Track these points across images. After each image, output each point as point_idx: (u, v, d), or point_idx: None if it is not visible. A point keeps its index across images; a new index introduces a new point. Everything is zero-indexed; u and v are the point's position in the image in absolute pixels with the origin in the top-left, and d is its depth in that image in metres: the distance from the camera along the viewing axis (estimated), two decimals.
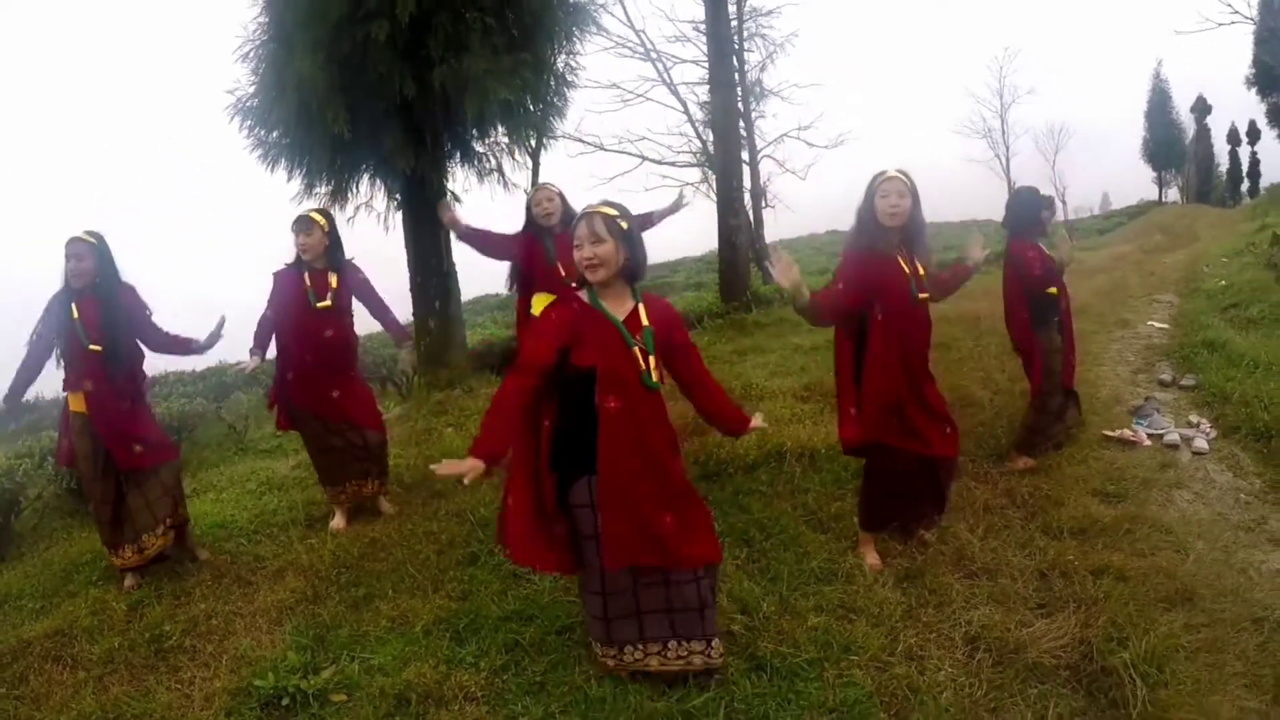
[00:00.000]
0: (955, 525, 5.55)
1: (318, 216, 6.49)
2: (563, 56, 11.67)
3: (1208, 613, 4.37)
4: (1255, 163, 67.26)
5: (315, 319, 6.40)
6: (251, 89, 10.95)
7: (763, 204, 27.69)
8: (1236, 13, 39.11)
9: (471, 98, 9.92)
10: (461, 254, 12.09)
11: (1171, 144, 71.56)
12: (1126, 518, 5.55)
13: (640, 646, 4.02)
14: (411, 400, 11.17)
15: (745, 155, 24.64)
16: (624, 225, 3.90)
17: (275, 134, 10.95)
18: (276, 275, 6.52)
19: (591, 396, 3.83)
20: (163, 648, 5.05)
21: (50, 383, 6.02)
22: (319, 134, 10.18)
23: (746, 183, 23.05)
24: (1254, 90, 49.11)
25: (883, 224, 4.90)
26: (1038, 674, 4.02)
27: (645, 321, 3.97)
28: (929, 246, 5.19)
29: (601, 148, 25.10)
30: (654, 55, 24.99)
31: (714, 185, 18.33)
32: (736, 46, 24.30)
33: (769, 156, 28.23)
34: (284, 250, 6.49)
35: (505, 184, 12.21)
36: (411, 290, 12.14)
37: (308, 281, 6.41)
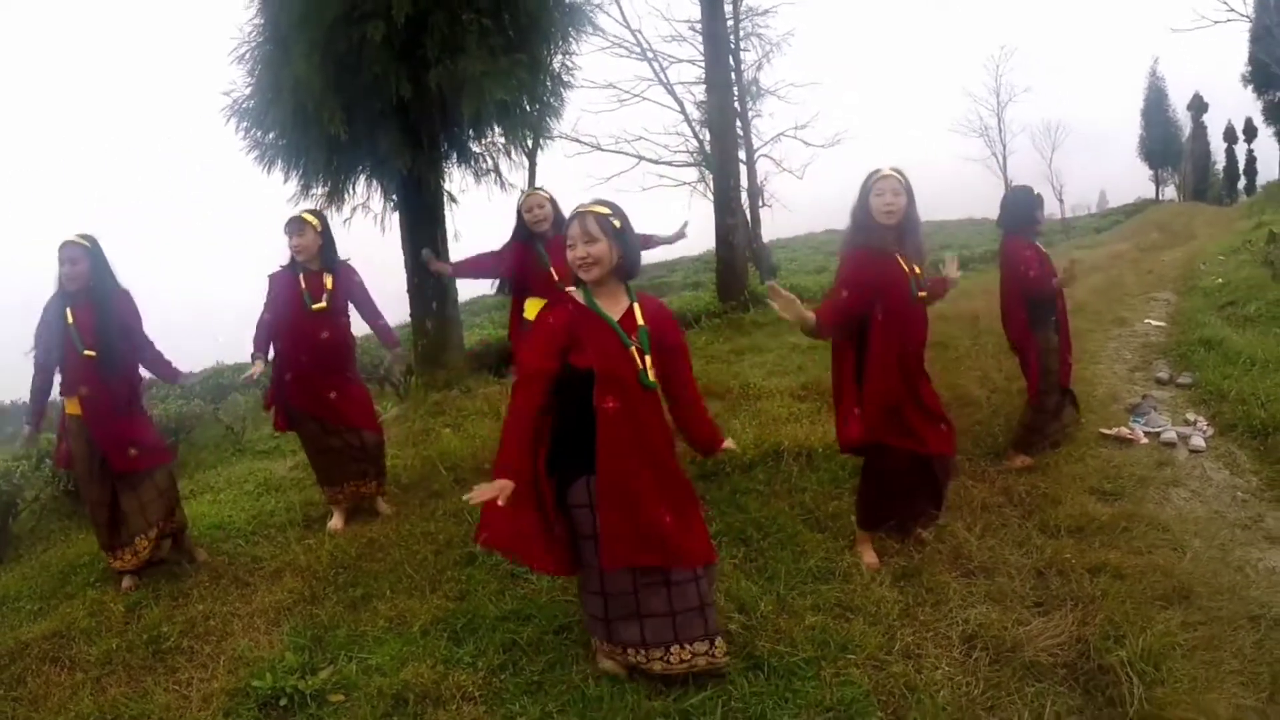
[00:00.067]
0: (952, 524, 5.55)
1: (310, 217, 6.48)
2: (559, 57, 11.70)
3: (1204, 611, 4.38)
4: (1251, 160, 67.32)
5: (311, 321, 6.39)
6: (248, 90, 10.96)
7: (760, 203, 27.79)
8: (1233, 10, 39.06)
9: (468, 98, 9.92)
10: (458, 255, 12.09)
11: (1168, 142, 71.67)
12: (1123, 516, 5.56)
13: (643, 651, 4.00)
14: (409, 401, 11.17)
15: (742, 154, 24.69)
16: (616, 224, 3.90)
17: (271, 135, 10.96)
18: (271, 278, 6.52)
19: (589, 397, 3.83)
20: (160, 649, 5.04)
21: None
22: (315, 135, 10.18)
23: (744, 182, 23.06)
24: (1250, 88, 49.33)
25: (879, 222, 4.90)
26: (1035, 672, 4.02)
27: (641, 320, 3.97)
28: (924, 245, 5.18)
29: (598, 148, 25.13)
30: (650, 55, 25.05)
31: (711, 185, 18.30)
32: (733, 46, 24.35)
33: (766, 156, 28.36)
34: (281, 252, 6.49)
35: (502, 184, 12.23)
36: (408, 291, 12.15)
37: (303, 283, 6.40)
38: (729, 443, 4.42)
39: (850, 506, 5.66)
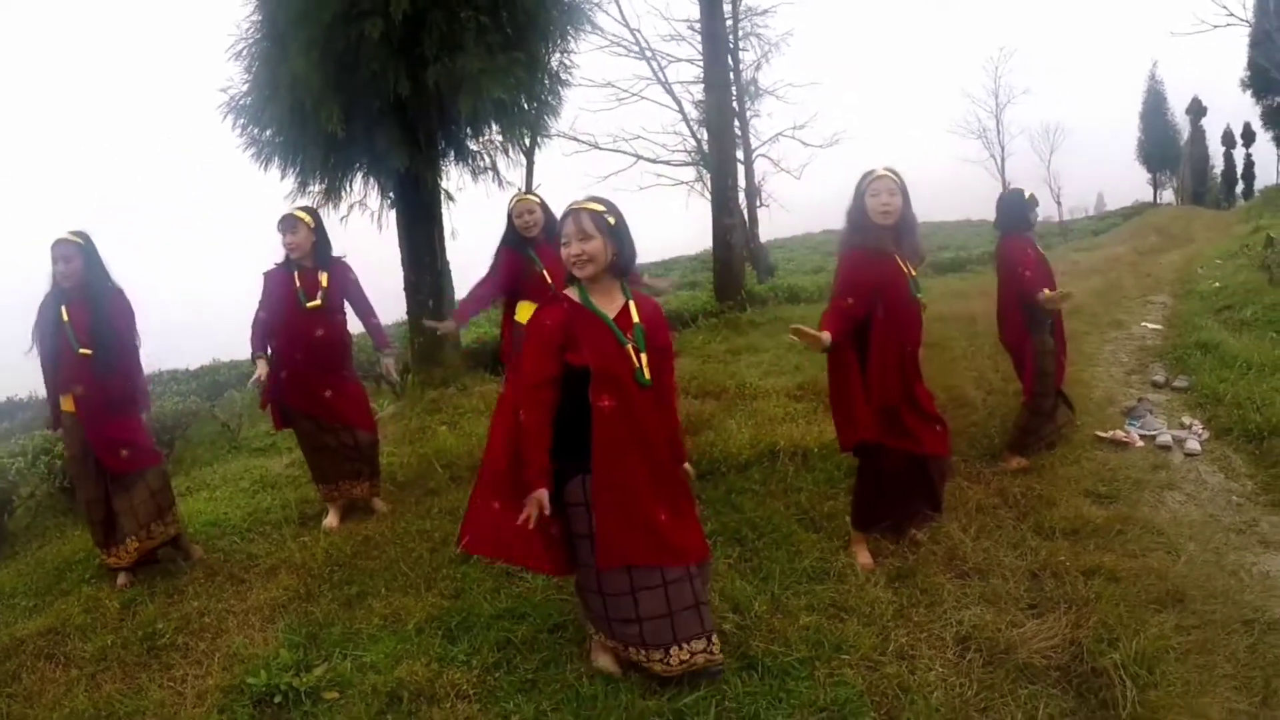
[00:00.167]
0: (947, 525, 5.56)
1: (303, 215, 6.47)
2: (557, 55, 11.67)
3: (1198, 614, 4.39)
4: (1250, 165, 67.29)
5: (306, 319, 6.39)
6: (245, 87, 10.95)
7: (757, 203, 27.70)
8: (1232, 15, 39.09)
9: (465, 96, 9.91)
10: (456, 253, 12.12)
11: (1166, 145, 71.62)
12: (1118, 519, 5.57)
13: (643, 651, 4.00)
14: (405, 399, 11.16)
15: (740, 154, 24.63)
16: (611, 220, 3.90)
17: (269, 132, 10.94)
18: (266, 275, 6.51)
19: (585, 395, 3.83)
20: (155, 645, 5.05)
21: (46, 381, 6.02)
22: (312, 132, 10.17)
23: (741, 182, 23.03)
24: (1249, 92, 49.33)
25: (876, 223, 4.90)
26: (1028, 674, 4.03)
27: (636, 318, 3.97)
28: (920, 246, 5.19)
29: (596, 146, 25.06)
30: (649, 54, 24.92)
31: (709, 184, 18.29)
32: (731, 45, 24.28)
33: (764, 156, 28.24)
34: (276, 249, 6.47)
35: (500, 182, 12.21)
36: (405, 289, 12.13)
37: (297, 281, 6.40)
38: (687, 466, 4.41)
39: (845, 507, 5.66)
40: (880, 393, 4.94)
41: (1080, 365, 9.45)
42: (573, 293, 3.97)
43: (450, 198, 12.17)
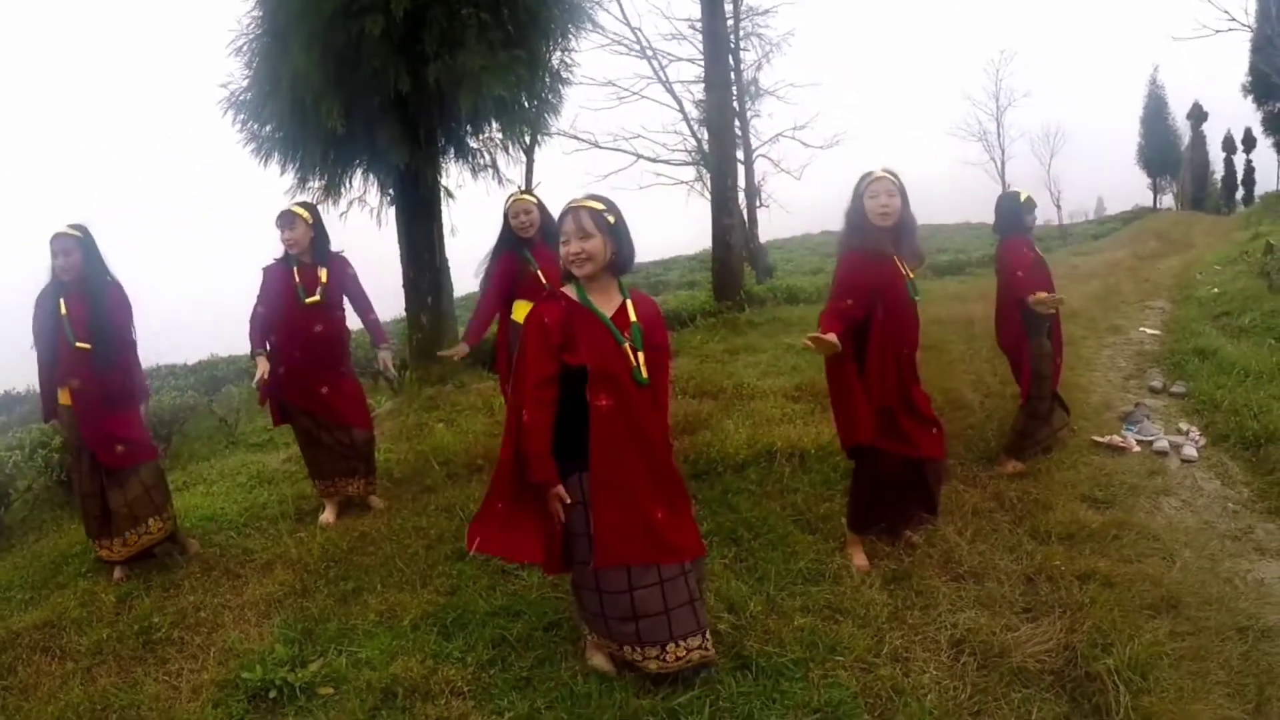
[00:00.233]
0: (943, 528, 5.56)
1: (300, 210, 6.46)
2: (558, 53, 11.66)
3: (1193, 621, 4.39)
4: (1250, 170, 67.38)
5: (305, 314, 6.39)
6: (245, 83, 10.94)
7: (757, 203, 27.70)
8: (1234, 20, 38.94)
9: (466, 93, 9.90)
10: (455, 250, 12.12)
11: (1167, 150, 71.68)
12: (1114, 524, 5.57)
13: (639, 649, 4.01)
14: (403, 395, 11.17)
15: (740, 154, 24.63)
16: (611, 219, 3.90)
17: (269, 128, 10.94)
18: (265, 270, 6.51)
19: (582, 393, 3.83)
20: (151, 639, 5.06)
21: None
22: (313, 129, 10.17)
23: (741, 182, 23.03)
24: (1250, 98, 49.23)
25: (875, 224, 4.91)
26: (1022, 678, 4.03)
27: (633, 317, 3.98)
28: (920, 248, 5.19)
29: (596, 145, 25.04)
30: (650, 53, 24.93)
31: (708, 184, 18.29)
32: (733, 45, 24.28)
33: (764, 156, 28.24)
34: (277, 245, 6.47)
35: (499, 180, 12.20)
36: (404, 286, 12.13)
37: (296, 277, 6.40)
38: None
39: (841, 509, 5.67)
40: (878, 394, 4.95)
41: (1078, 370, 9.46)
42: (570, 291, 3.97)
43: (450, 195, 12.18)
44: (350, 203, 11.91)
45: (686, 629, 3.99)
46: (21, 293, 5.93)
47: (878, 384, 4.95)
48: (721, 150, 16.49)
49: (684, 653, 3.99)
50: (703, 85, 20.32)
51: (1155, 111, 71.52)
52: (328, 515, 6.70)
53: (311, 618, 5.08)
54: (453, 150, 11.93)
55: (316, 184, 11.40)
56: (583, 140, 24.70)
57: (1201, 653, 4.11)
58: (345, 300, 6.67)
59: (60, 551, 6.66)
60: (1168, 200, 75.00)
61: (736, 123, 23.51)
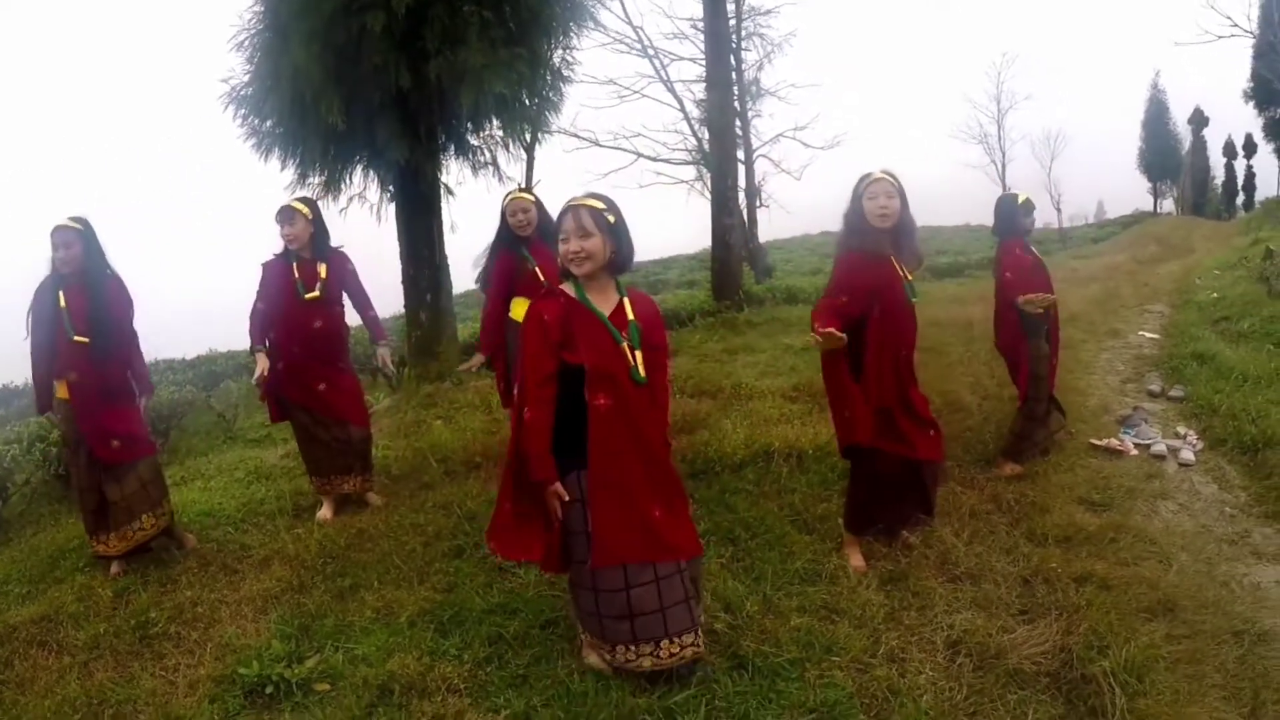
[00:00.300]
0: (940, 529, 5.56)
1: (300, 206, 6.46)
2: (559, 51, 11.64)
3: (1189, 624, 4.39)
4: (1251, 176, 67.37)
5: (304, 310, 6.39)
6: (246, 78, 10.91)
7: (757, 203, 27.72)
8: (1236, 26, 39.10)
9: (467, 90, 9.89)
10: (454, 248, 12.12)
11: (1168, 155, 71.61)
12: (1111, 527, 5.57)
13: (633, 647, 4.00)
14: (401, 392, 11.17)
15: (741, 154, 24.64)
16: (611, 219, 3.90)
17: (269, 123, 10.90)
18: (265, 266, 6.51)
19: (580, 392, 3.83)
20: (148, 634, 5.06)
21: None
22: (313, 124, 10.15)
23: (741, 182, 23.03)
24: (1251, 104, 49.27)
25: (873, 226, 4.90)
26: (1018, 680, 4.03)
27: (631, 316, 3.98)
28: (919, 249, 5.19)
29: (596, 143, 25.01)
30: (651, 52, 24.91)
31: (709, 183, 18.29)
32: (734, 45, 24.29)
33: (764, 156, 28.26)
34: (277, 241, 6.47)
35: (500, 177, 12.17)
36: (403, 282, 12.11)
37: (296, 272, 6.40)
38: None
39: (839, 509, 5.67)
40: (876, 395, 4.95)
41: (1076, 373, 9.47)
42: (569, 289, 3.97)
43: (450, 192, 12.16)
44: (350, 199, 11.88)
45: (681, 626, 4.00)
46: (20, 291, 5.92)
47: (875, 385, 4.94)
48: (722, 150, 16.51)
49: (677, 649, 4.00)
50: (704, 85, 20.37)
51: (1156, 116, 71.46)
52: (325, 512, 6.70)
53: (308, 614, 5.08)
54: (453, 147, 11.91)
55: (316, 179, 11.37)
56: (583, 138, 24.69)
57: (1197, 656, 4.11)
58: (345, 296, 6.66)
59: (58, 546, 6.65)
60: (1168, 205, 74.98)
61: (737, 122, 23.52)
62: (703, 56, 20.70)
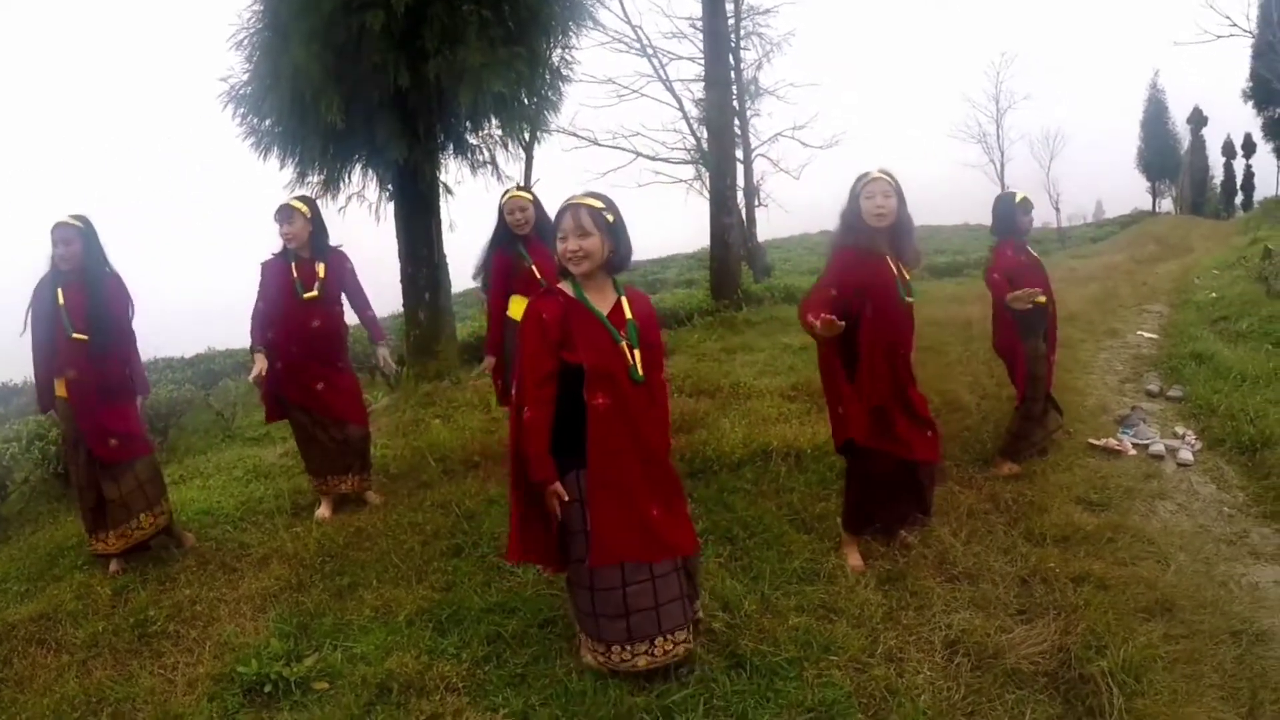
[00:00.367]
0: (938, 529, 5.57)
1: (299, 204, 6.45)
2: (558, 50, 11.66)
3: (1187, 624, 4.40)
4: (1249, 176, 67.51)
5: (302, 309, 6.39)
6: (245, 76, 10.92)
7: (756, 203, 27.69)
8: (1235, 26, 39.17)
9: (466, 90, 9.90)
10: (453, 246, 12.13)
11: (1166, 155, 71.66)
12: (1109, 527, 5.57)
13: (629, 646, 4.00)
14: (399, 391, 11.17)
15: (739, 153, 24.65)
16: (610, 218, 3.89)
17: (268, 122, 10.91)
18: (264, 265, 6.51)
19: (579, 391, 3.83)
20: (147, 633, 5.06)
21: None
22: (312, 123, 10.15)
23: (740, 181, 23.01)
24: (1250, 103, 49.32)
25: (870, 225, 4.90)
26: (1016, 680, 4.03)
27: (629, 315, 3.98)
28: (917, 248, 5.19)
29: (595, 143, 25.02)
30: (650, 51, 24.89)
31: (707, 183, 18.30)
32: (733, 44, 24.27)
33: (763, 155, 28.22)
34: (276, 240, 6.46)
35: (499, 176, 12.18)
36: (402, 281, 12.12)
37: (294, 271, 6.40)
38: None
39: (837, 509, 5.67)
40: (869, 394, 4.95)
41: (1074, 373, 9.48)
42: (567, 288, 3.96)
43: (449, 191, 12.18)
44: (349, 198, 11.90)
45: (674, 623, 4.02)
46: (19, 290, 5.92)
47: (868, 383, 4.95)
48: (721, 149, 16.50)
49: (671, 646, 4.02)
50: (702, 84, 20.32)
51: (1155, 115, 71.51)
52: (324, 510, 6.70)
53: (307, 612, 5.08)
54: (452, 146, 11.92)
55: (315, 178, 11.39)
56: (582, 138, 24.70)
57: (1195, 656, 4.12)
58: (343, 295, 6.66)
59: (56, 544, 6.65)
60: (1167, 204, 75.03)
61: (736, 122, 23.51)
62: (701, 56, 20.70)
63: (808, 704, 3.87)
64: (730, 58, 22.66)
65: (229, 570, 5.87)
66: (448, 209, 12.17)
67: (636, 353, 3.92)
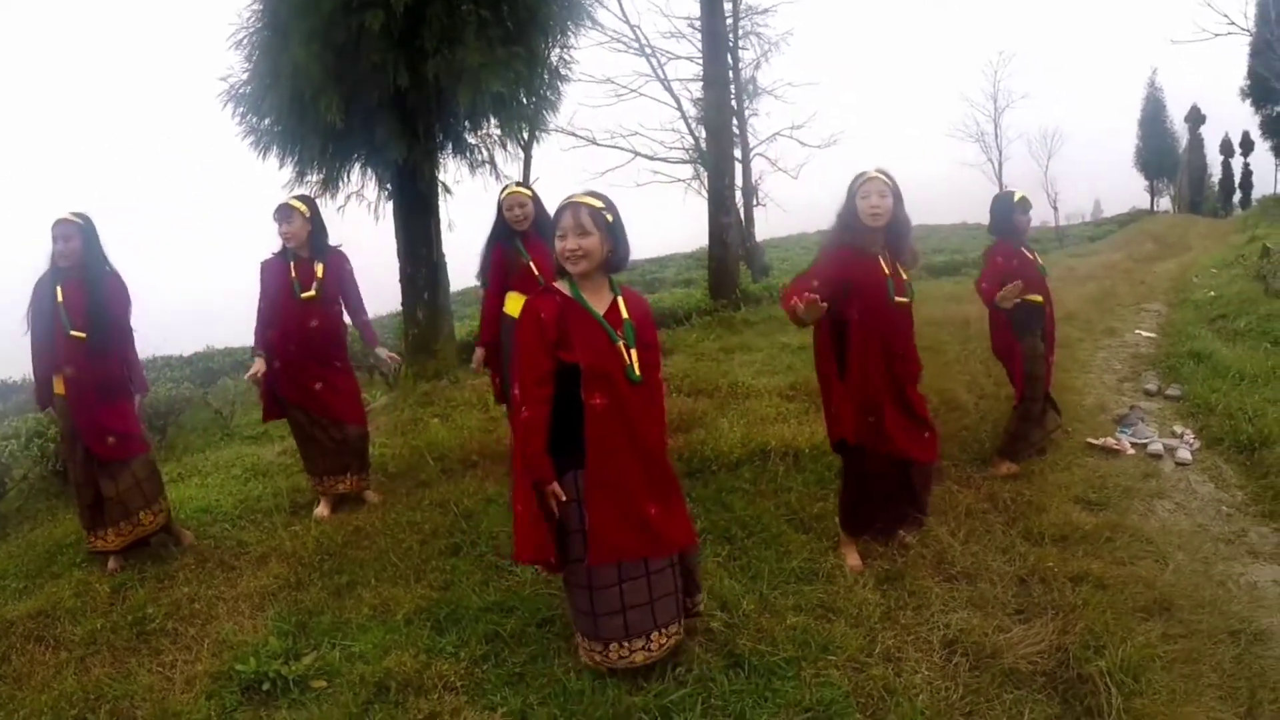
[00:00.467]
0: (936, 529, 5.56)
1: (298, 204, 6.45)
2: (557, 50, 11.68)
3: (1185, 624, 4.40)
4: (1247, 174, 67.54)
5: (301, 309, 6.39)
6: (245, 75, 10.92)
7: (754, 202, 27.69)
8: (1233, 24, 39.09)
9: (464, 89, 9.91)
10: (451, 246, 12.13)
11: (1165, 153, 71.71)
12: (1107, 526, 5.58)
13: (626, 644, 4.01)
14: (398, 390, 11.17)
15: (738, 153, 24.64)
16: (609, 218, 3.89)
17: (268, 121, 10.92)
18: (263, 265, 6.51)
19: (576, 391, 3.82)
20: (145, 630, 5.06)
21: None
22: (311, 122, 10.16)
23: (738, 180, 23.02)
24: (1248, 101, 49.34)
25: (866, 225, 4.90)
26: (1014, 679, 4.03)
27: (626, 315, 3.98)
28: (915, 248, 5.18)
29: (594, 142, 25.08)
30: (648, 51, 24.94)
31: (706, 182, 18.31)
32: (731, 44, 24.28)
33: (761, 155, 28.23)
34: (275, 239, 6.46)
35: (497, 176, 12.18)
36: (401, 280, 12.13)
37: (293, 271, 6.40)
38: None
39: (835, 508, 5.65)
40: (860, 394, 4.95)
41: (1073, 372, 9.48)
42: (564, 287, 3.96)
43: (448, 190, 12.18)
44: (348, 197, 11.91)
45: (668, 617, 4.05)
46: (18, 288, 5.92)
47: (859, 383, 4.94)
48: (719, 149, 16.52)
49: (665, 639, 4.05)
50: (701, 83, 20.35)
51: (1153, 114, 71.58)
52: (322, 509, 6.70)
53: (305, 611, 5.08)
54: (451, 146, 11.93)
55: (314, 178, 11.40)
56: (581, 137, 24.78)
57: (1194, 655, 4.12)
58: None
59: (55, 541, 6.65)
60: (1165, 203, 75.06)
61: (734, 121, 23.54)
62: (700, 55, 20.72)
63: (805, 703, 3.87)
64: (728, 57, 22.69)
65: (227, 568, 5.87)
66: (446, 208, 12.19)
67: (633, 353, 3.92)
